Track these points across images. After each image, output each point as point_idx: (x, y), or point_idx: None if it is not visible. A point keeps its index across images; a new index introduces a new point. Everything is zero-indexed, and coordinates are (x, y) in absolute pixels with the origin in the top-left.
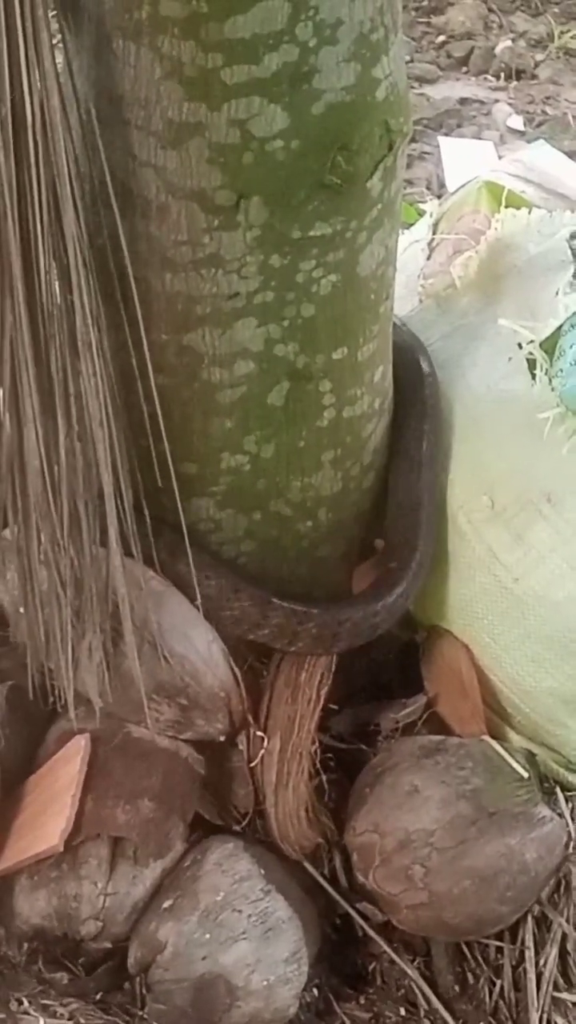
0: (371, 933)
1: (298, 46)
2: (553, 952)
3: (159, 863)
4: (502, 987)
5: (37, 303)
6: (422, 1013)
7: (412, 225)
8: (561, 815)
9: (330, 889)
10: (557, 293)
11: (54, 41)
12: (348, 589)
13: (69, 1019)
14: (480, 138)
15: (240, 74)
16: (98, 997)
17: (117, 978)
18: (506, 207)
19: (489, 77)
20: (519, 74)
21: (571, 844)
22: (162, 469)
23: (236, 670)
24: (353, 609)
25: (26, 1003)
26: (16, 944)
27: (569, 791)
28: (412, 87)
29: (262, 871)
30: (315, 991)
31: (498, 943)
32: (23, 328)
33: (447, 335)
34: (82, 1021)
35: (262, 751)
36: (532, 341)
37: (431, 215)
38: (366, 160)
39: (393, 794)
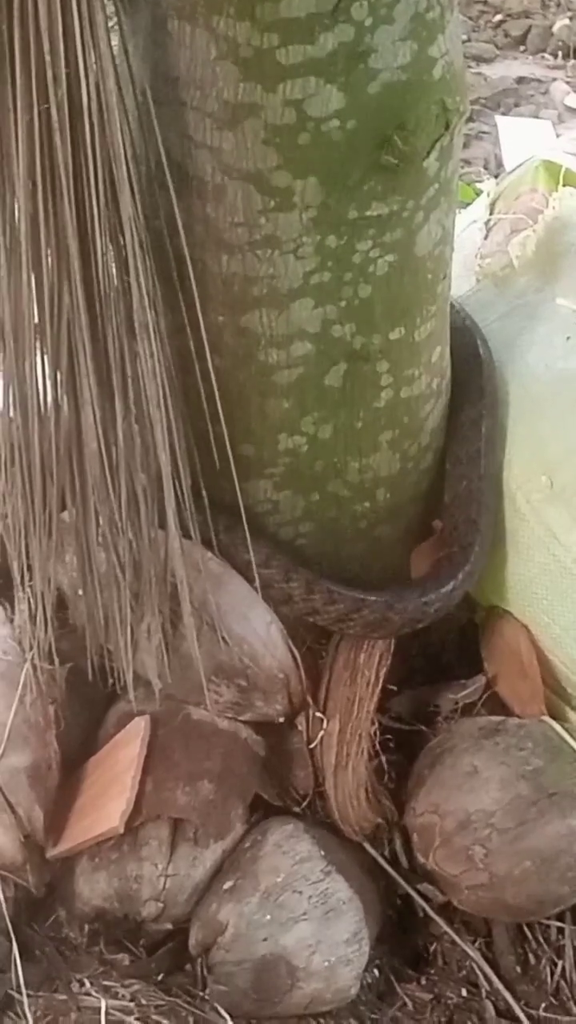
0: (432, 914)
1: (354, 25)
2: None
3: (219, 844)
4: (564, 968)
5: (94, 285)
6: (483, 994)
7: (469, 205)
8: None
9: (390, 870)
10: None
11: (110, 23)
12: (406, 569)
13: (130, 1000)
14: (538, 117)
15: (295, 54)
16: (159, 978)
17: (178, 959)
18: (564, 186)
19: (547, 56)
20: None
21: None
22: (220, 451)
23: (295, 651)
24: (411, 597)
25: (87, 984)
26: (77, 926)
27: None
28: (469, 66)
29: (322, 852)
30: (376, 972)
31: (559, 924)
32: (80, 310)
33: (504, 315)
34: (143, 1002)
35: (321, 732)
36: None
37: (488, 194)
38: (422, 140)
39: (453, 775)
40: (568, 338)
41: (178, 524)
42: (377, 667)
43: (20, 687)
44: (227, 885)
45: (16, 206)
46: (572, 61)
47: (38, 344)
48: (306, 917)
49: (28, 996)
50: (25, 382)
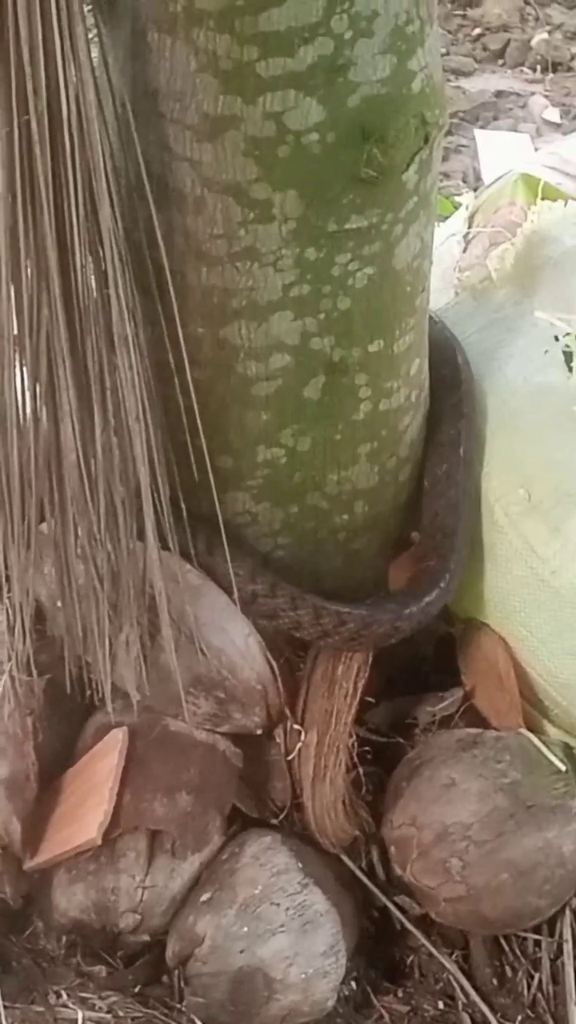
0: (409, 926)
1: (333, 39)
2: None
3: (197, 856)
4: (540, 980)
5: (73, 297)
6: (460, 1006)
7: (448, 218)
8: None
9: (368, 882)
10: None
11: (89, 35)
12: (384, 582)
13: (107, 1012)
14: (516, 131)
15: (275, 67)
16: (136, 990)
17: (155, 971)
18: (542, 199)
19: (525, 70)
20: (555, 67)
21: None
22: (198, 463)
23: (273, 663)
24: (390, 610)
25: (64, 996)
26: (54, 937)
27: None
28: (448, 80)
29: (300, 864)
30: (353, 984)
31: (536, 936)
32: (59, 322)
33: (483, 328)
34: (120, 1014)
35: (299, 744)
36: (569, 334)
37: (467, 208)
38: (402, 153)
39: (430, 787)
40: (546, 351)
41: (156, 536)
42: (355, 679)
43: None
44: (204, 897)
45: None
46: (551, 75)
47: (17, 355)
48: (283, 929)
49: (5, 1007)
50: (3, 393)
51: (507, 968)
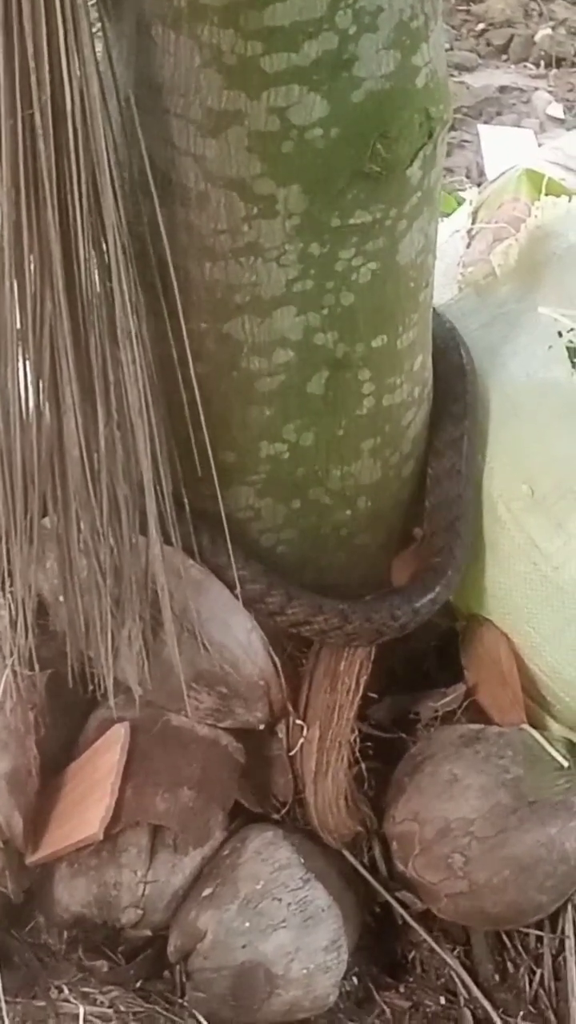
0: (411, 922)
1: (337, 34)
2: None
3: (199, 851)
4: (542, 976)
5: (77, 291)
6: (462, 1002)
7: (451, 214)
8: None
9: (370, 878)
10: None
11: (93, 29)
12: (387, 577)
13: (109, 1007)
14: (520, 126)
15: (279, 62)
16: (138, 985)
17: (157, 966)
18: (546, 195)
19: (529, 65)
20: (559, 62)
21: None
22: (201, 458)
23: (275, 658)
24: (394, 606)
25: (66, 991)
26: (56, 932)
27: None
28: (452, 75)
29: (302, 859)
30: (355, 979)
31: (538, 932)
32: (63, 316)
33: (487, 323)
34: (122, 1009)
35: (301, 740)
36: (572, 329)
37: (471, 203)
38: (406, 148)
39: (433, 783)
40: (549, 347)
41: (159, 530)
42: (357, 675)
43: (0, 693)
44: (206, 892)
45: None
46: (554, 70)
47: (20, 350)
48: (285, 924)
49: (6, 1002)
50: (7, 388)
51: (509, 964)
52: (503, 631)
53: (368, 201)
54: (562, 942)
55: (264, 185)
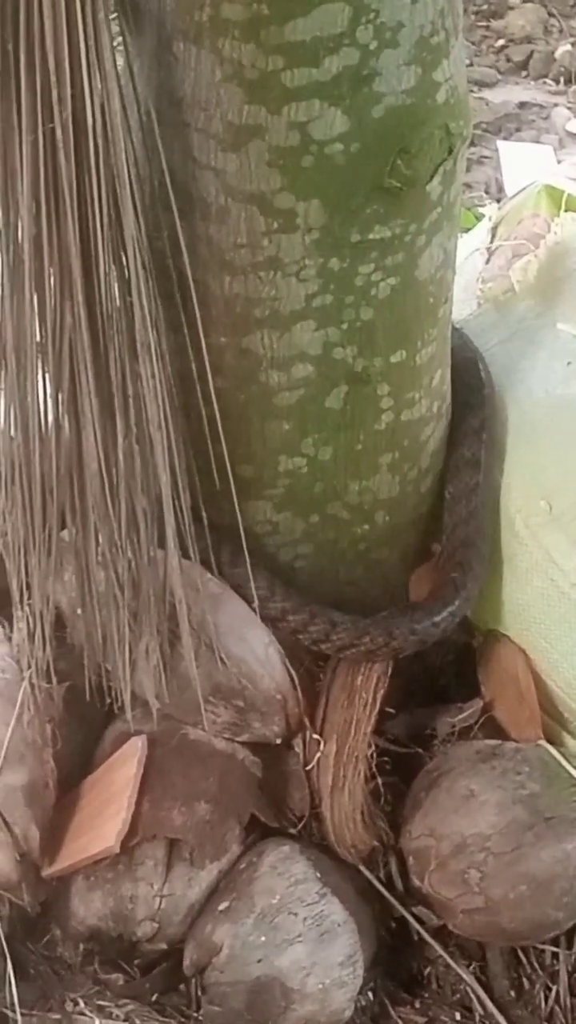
0: (426, 937)
1: (359, 49)
2: None
3: (215, 865)
4: (558, 992)
5: (97, 305)
6: (477, 1018)
7: (470, 230)
8: None
9: (386, 893)
10: None
11: (115, 44)
12: (405, 592)
13: (124, 1020)
14: (539, 142)
15: (300, 77)
16: (153, 999)
17: (172, 980)
18: (565, 211)
19: (548, 81)
20: None
21: None
22: (220, 472)
23: (293, 673)
24: (412, 621)
25: (82, 1004)
26: (72, 945)
27: None
28: (471, 91)
29: (318, 874)
30: (370, 995)
31: (554, 948)
32: (83, 330)
33: (505, 339)
34: (137, 1022)
35: (318, 754)
36: None
37: (490, 219)
38: (426, 163)
39: (449, 798)
40: (568, 363)
41: (177, 544)
42: (375, 690)
43: (18, 706)
44: (222, 906)
45: (19, 225)
46: (574, 87)
47: (40, 363)
48: (301, 939)
49: (22, 1015)
50: (26, 401)
51: (524, 980)
52: (520, 647)
53: (388, 216)
54: None
55: (284, 200)
